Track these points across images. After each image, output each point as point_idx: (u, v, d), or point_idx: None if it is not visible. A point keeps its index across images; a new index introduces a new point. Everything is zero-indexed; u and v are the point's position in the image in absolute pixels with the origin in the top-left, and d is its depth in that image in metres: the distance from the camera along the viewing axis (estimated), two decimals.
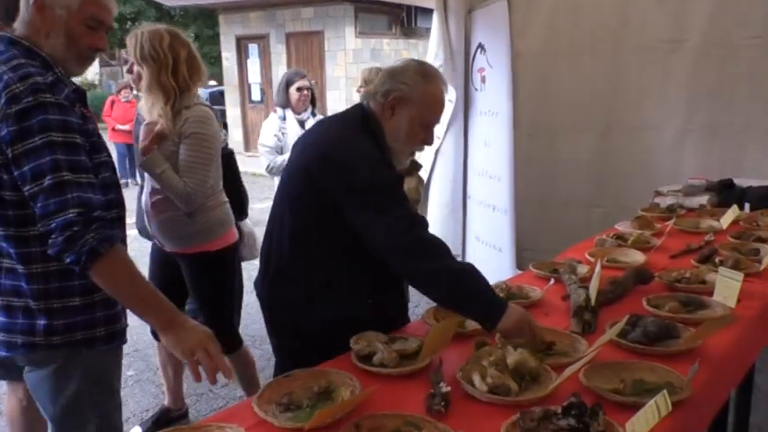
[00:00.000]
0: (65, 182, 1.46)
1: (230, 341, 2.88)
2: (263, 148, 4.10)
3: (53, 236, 1.46)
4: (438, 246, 1.69)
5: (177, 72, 2.52)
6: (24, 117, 1.46)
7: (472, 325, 1.87)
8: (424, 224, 1.72)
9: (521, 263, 4.74)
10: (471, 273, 1.69)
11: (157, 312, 1.57)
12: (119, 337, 1.76)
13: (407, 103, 1.78)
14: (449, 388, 1.44)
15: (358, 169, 1.70)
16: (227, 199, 2.86)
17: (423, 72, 1.80)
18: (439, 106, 1.83)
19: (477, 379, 1.48)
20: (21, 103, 1.46)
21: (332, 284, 1.83)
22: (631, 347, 1.68)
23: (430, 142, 1.88)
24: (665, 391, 1.21)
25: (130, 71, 2.67)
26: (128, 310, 1.71)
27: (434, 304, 1.96)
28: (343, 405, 1.37)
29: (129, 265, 1.55)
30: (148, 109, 2.55)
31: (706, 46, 4.12)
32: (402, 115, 1.79)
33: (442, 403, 1.40)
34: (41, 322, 1.61)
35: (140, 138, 2.57)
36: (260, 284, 2.01)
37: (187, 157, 2.55)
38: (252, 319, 4.52)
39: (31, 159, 1.46)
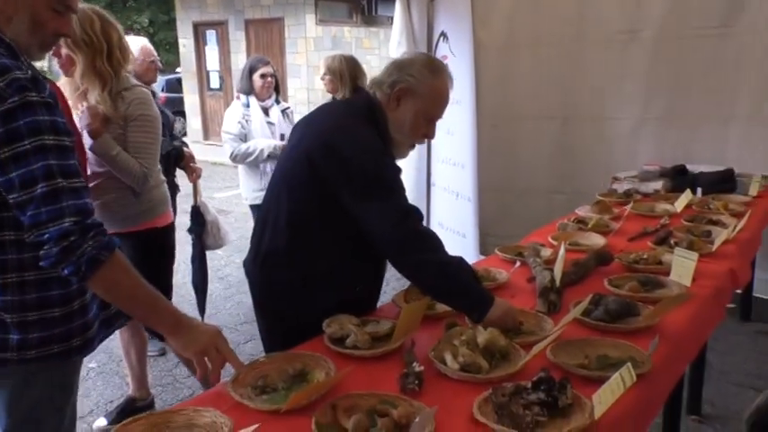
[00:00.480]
0: (59, 189, 1.34)
1: None
2: (227, 135, 4.05)
3: (46, 246, 1.33)
4: (429, 238, 1.72)
5: (112, 57, 2.50)
6: (10, 118, 1.32)
7: (442, 307, 1.92)
8: (418, 216, 1.73)
9: (484, 248, 4.83)
10: (459, 266, 1.72)
11: (163, 316, 1.47)
12: (91, 344, 1.63)
13: (414, 95, 1.78)
14: (422, 367, 1.48)
15: (357, 158, 1.70)
16: (164, 178, 2.95)
17: (431, 66, 1.81)
18: (445, 101, 1.83)
19: (449, 358, 1.52)
20: (5, 103, 1.31)
21: (334, 272, 1.82)
22: (594, 325, 1.75)
23: (432, 136, 1.89)
24: (629, 364, 1.27)
25: (57, 55, 2.52)
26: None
27: (404, 287, 2.01)
28: (319, 386, 1.39)
29: (130, 271, 1.44)
30: (79, 95, 2.53)
31: (662, 37, 4.25)
32: (407, 107, 1.79)
33: (416, 382, 1.43)
34: (15, 337, 1.47)
35: (83, 123, 2.49)
36: (251, 267, 1.98)
37: (138, 138, 2.60)
38: (216, 308, 4.49)
39: (21, 165, 1.32)
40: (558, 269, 2.02)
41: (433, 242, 1.72)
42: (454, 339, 1.58)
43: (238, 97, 4.13)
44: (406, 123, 1.80)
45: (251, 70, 4.07)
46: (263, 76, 4.04)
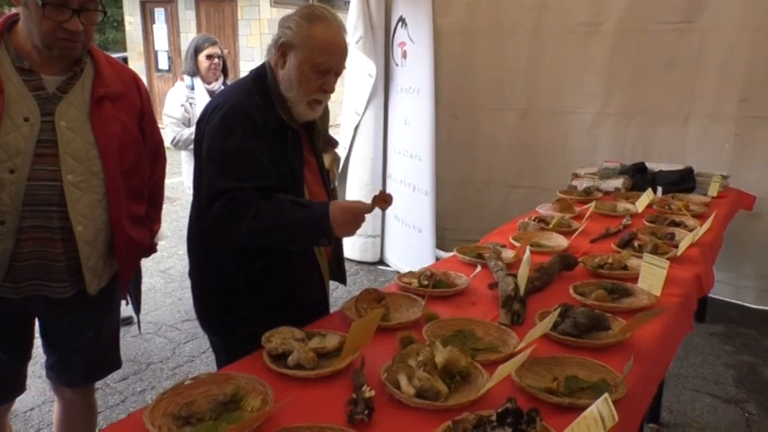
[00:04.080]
0: None
1: None
2: (169, 119, 3.78)
3: None
4: (233, 213, 1.63)
5: None
6: None
7: (396, 318, 1.75)
8: (237, 194, 1.63)
9: (441, 243, 4.70)
10: (276, 217, 1.63)
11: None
12: None
13: (293, 47, 1.70)
14: (372, 392, 1.30)
15: (208, 138, 1.72)
16: None
17: (307, 15, 1.71)
18: (327, 48, 1.70)
19: (403, 381, 1.34)
20: None
21: (230, 250, 1.78)
22: (561, 340, 1.60)
23: (329, 89, 1.75)
24: (606, 396, 1.12)
25: None
26: None
27: (355, 294, 1.83)
28: (252, 419, 1.19)
29: None
30: None
31: (623, 30, 4.17)
32: (291, 62, 1.71)
33: (366, 411, 1.25)
34: None
35: None
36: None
37: None
38: (156, 303, 4.21)
39: None
40: (523, 275, 1.87)
41: (240, 213, 1.63)
42: (410, 359, 1.40)
43: (182, 78, 3.85)
44: (294, 79, 1.71)
45: (196, 50, 3.80)
46: (209, 56, 3.78)
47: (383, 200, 1.70)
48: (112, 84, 1.75)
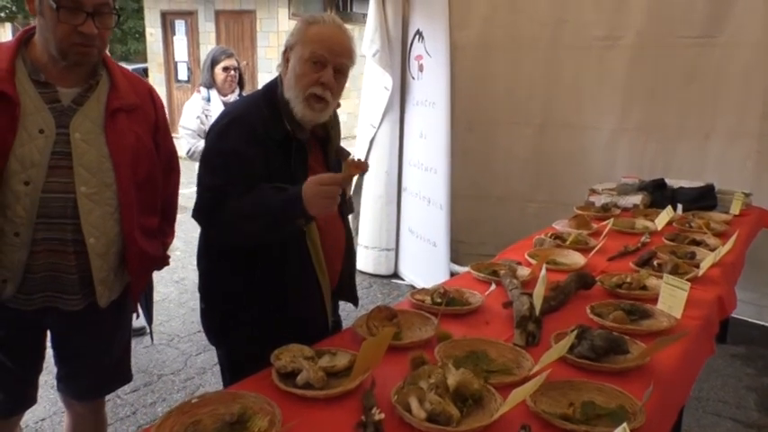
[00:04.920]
0: None
1: None
2: (185, 130, 3.79)
3: None
4: (215, 213, 1.67)
5: None
6: None
7: (409, 337, 1.71)
8: (219, 195, 1.66)
9: (456, 256, 4.66)
10: (259, 196, 1.63)
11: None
12: None
13: (294, 48, 1.73)
14: (382, 415, 1.27)
15: (208, 141, 1.81)
16: None
17: (308, 19, 1.76)
18: (321, 39, 1.70)
19: (414, 404, 1.31)
20: None
21: (231, 252, 1.79)
22: (578, 363, 1.56)
23: (328, 82, 1.70)
24: (625, 426, 1.07)
25: None
26: None
27: (368, 308, 1.80)
28: None
29: None
30: None
31: (641, 44, 4.13)
32: (292, 61, 1.73)
33: None
34: None
35: None
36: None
37: None
38: (169, 314, 4.21)
39: None
40: (538, 294, 1.82)
41: (222, 205, 1.65)
42: (421, 381, 1.37)
43: (199, 90, 3.88)
44: (293, 75, 1.72)
45: (213, 62, 3.82)
46: (225, 69, 3.79)
47: (356, 166, 1.61)
48: (127, 96, 1.76)
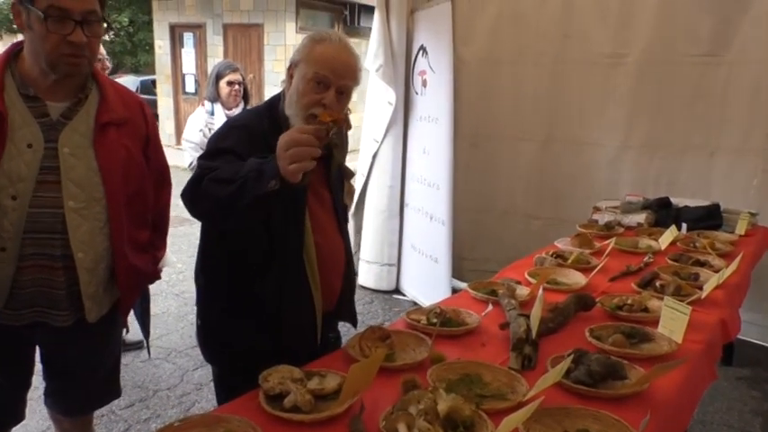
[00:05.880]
0: None
1: None
2: (188, 143, 3.80)
3: None
4: (197, 188, 1.55)
5: None
6: None
7: (402, 358, 1.68)
8: (202, 172, 1.56)
9: (459, 272, 4.62)
10: (239, 164, 1.50)
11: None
12: None
13: (298, 65, 1.71)
14: None
15: (207, 144, 1.76)
16: None
17: (314, 37, 1.73)
18: (326, 60, 1.66)
19: (402, 430, 1.27)
20: None
21: (225, 268, 1.76)
22: (574, 389, 1.51)
23: (329, 104, 1.64)
24: None
25: None
26: None
27: (359, 330, 1.76)
28: None
29: None
30: None
31: (647, 61, 4.10)
32: (296, 79, 1.70)
33: None
34: None
35: None
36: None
37: None
38: (168, 328, 4.18)
39: None
40: (535, 316, 1.78)
41: (201, 184, 1.54)
42: (410, 406, 1.33)
43: (203, 104, 3.88)
44: (295, 93, 1.68)
45: (218, 76, 3.84)
46: (230, 83, 3.80)
47: (329, 115, 1.53)
48: (117, 109, 1.74)
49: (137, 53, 23.03)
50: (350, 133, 2.12)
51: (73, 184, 1.64)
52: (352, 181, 3.00)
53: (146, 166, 1.82)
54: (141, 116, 1.84)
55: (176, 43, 12.53)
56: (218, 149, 1.65)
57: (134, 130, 1.79)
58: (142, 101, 1.92)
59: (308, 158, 1.39)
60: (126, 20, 21.88)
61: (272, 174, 1.40)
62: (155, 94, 13.30)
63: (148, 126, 1.86)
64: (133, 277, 1.83)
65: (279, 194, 1.43)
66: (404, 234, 4.95)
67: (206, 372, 3.49)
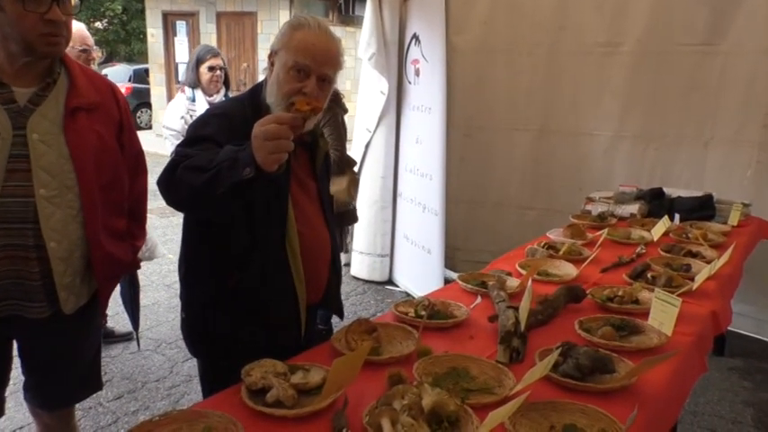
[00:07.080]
0: None
1: None
2: (168, 131, 3.71)
3: None
4: (172, 176, 1.49)
5: None
6: None
7: (388, 352, 1.65)
8: (178, 159, 1.51)
9: (452, 263, 4.60)
10: (214, 152, 1.46)
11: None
12: None
13: (278, 53, 1.67)
14: None
15: (187, 131, 1.73)
16: None
17: (293, 23, 1.70)
18: (306, 48, 1.63)
19: (386, 426, 1.24)
20: None
21: (206, 259, 1.75)
22: (562, 382, 1.49)
23: (310, 92, 1.61)
24: None
25: None
26: None
27: (346, 323, 1.74)
28: None
29: None
30: None
31: (642, 51, 4.07)
32: (276, 66, 1.67)
33: None
34: None
35: None
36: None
37: None
38: (158, 319, 4.15)
39: None
40: (524, 308, 1.76)
41: (179, 175, 1.48)
42: (394, 401, 1.31)
43: (183, 90, 3.79)
44: (276, 82, 1.65)
45: (198, 61, 3.73)
46: (211, 68, 3.70)
47: (306, 102, 1.52)
48: (88, 94, 1.69)
49: (130, 41, 22.84)
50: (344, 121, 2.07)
51: (44, 172, 1.60)
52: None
53: (119, 152, 1.78)
54: (113, 101, 1.79)
55: (169, 32, 12.43)
56: (197, 137, 1.60)
57: (106, 115, 1.75)
58: (114, 85, 1.87)
59: (283, 150, 1.37)
60: (119, 8, 21.68)
61: (246, 161, 1.36)
62: (148, 83, 13.21)
63: (121, 111, 1.81)
64: (110, 266, 1.79)
65: (256, 182, 1.39)
66: (397, 225, 4.93)
67: (196, 364, 3.47)
